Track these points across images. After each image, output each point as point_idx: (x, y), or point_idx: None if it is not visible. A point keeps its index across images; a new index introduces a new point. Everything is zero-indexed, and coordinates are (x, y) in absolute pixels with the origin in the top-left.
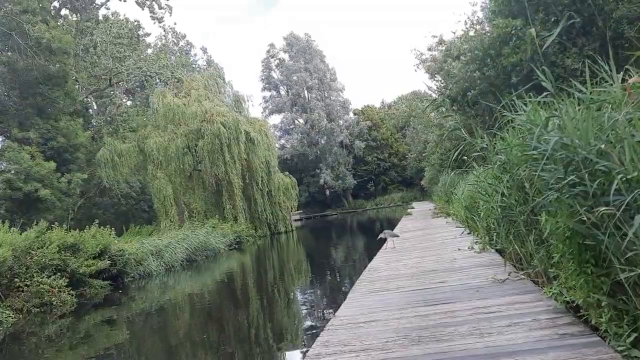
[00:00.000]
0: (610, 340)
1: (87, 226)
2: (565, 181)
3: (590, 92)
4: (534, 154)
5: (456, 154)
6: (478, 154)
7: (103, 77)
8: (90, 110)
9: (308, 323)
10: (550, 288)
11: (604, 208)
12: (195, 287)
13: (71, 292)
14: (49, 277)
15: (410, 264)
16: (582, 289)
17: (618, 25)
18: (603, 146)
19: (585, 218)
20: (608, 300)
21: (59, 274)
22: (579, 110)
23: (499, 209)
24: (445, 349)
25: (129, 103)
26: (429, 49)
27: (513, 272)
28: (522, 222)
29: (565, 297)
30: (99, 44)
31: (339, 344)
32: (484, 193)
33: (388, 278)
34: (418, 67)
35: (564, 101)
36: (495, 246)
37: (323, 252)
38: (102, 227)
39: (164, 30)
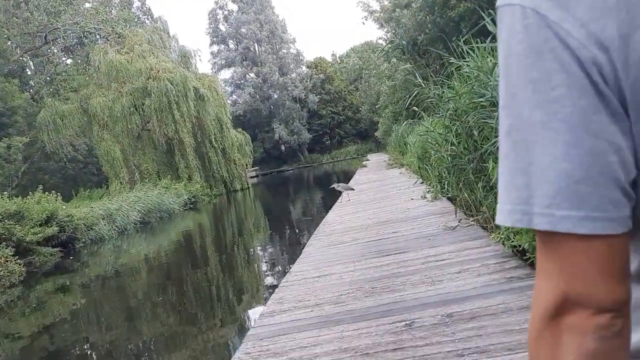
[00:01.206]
0: None
1: (32, 192)
2: None
3: None
4: (481, 102)
5: (409, 102)
6: (431, 100)
7: (38, 34)
8: (28, 71)
9: (269, 279)
10: (498, 234)
11: None
12: (151, 249)
13: (19, 261)
14: None
15: (365, 216)
16: (528, 233)
17: None
18: None
19: None
20: None
21: (3, 243)
22: None
23: (449, 158)
24: (398, 299)
25: (69, 61)
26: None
27: (463, 219)
28: (471, 169)
29: (512, 242)
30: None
31: (293, 300)
32: (434, 143)
33: (343, 231)
34: (366, 19)
35: None
36: (447, 194)
37: (281, 207)
38: (47, 193)
39: None
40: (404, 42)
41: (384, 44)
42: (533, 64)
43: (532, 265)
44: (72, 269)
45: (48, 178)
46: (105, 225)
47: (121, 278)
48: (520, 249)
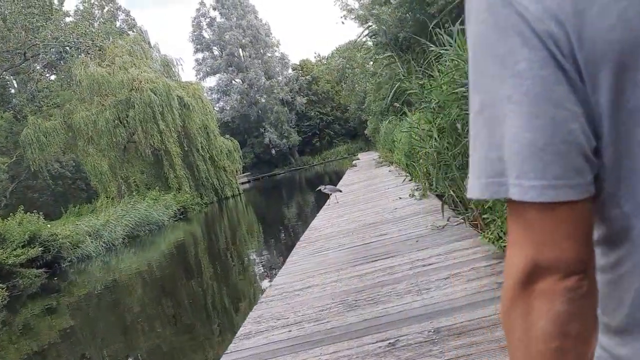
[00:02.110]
0: None
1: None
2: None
3: None
4: (464, 92)
5: (391, 95)
6: (413, 93)
7: (17, 51)
8: (12, 89)
9: (265, 285)
10: (489, 233)
11: None
12: (140, 263)
13: (1, 285)
14: None
15: (352, 218)
16: None
17: None
18: None
19: None
20: None
21: None
22: None
23: (435, 154)
24: (382, 313)
25: (52, 77)
26: None
27: (452, 217)
28: (456, 165)
29: (503, 242)
30: (8, 17)
31: (272, 318)
32: (419, 138)
33: (329, 236)
34: (345, 18)
35: None
36: (435, 191)
37: (273, 212)
38: (29, 213)
39: None
40: (384, 39)
41: (366, 40)
42: (498, 41)
43: None
44: (58, 289)
45: (37, 196)
46: (91, 242)
47: (110, 295)
48: None
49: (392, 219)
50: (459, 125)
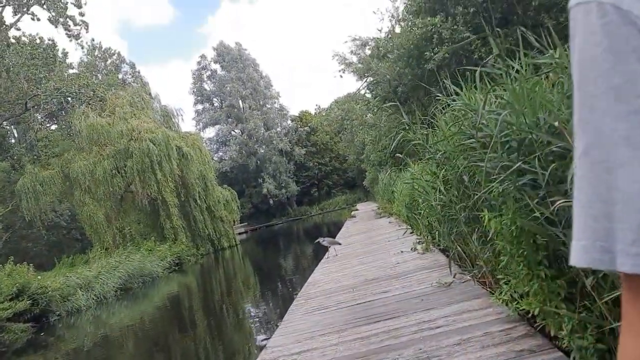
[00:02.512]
0: (574, 356)
1: (14, 262)
2: (512, 169)
3: (527, 65)
4: (471, 143)
5: (393, 145)
6: (416, 143)
7: (18, 101)
8: (12, 139)
9: (261, 339)
10: (500, 294)
11: (561, 200)
12: (133, 317)
13: None
14: None
15: (351, 273)
16: (537, 296)
17: (537, 13)
18: (556, 124)
19: (538, 212)
20: (567, 309)
21: None
22: (520, 85)
23: (439, 207)
24: None
25: (53, 127)
26: (352, 52)
27: (458, 274)
28: (464, 219)
29: (518, 304)
30: (11, 68)
31: None
32: (422, 190)
33: (328, 292)
34: (343, 72)
35: (504, 77)
36: (439, 245)
37: (270, 264)
38: (19, 264)
39: (82, 47)
40: (382, 92)
41: (364, 93)
42: (614, 68)
43: (544, 332)
44: (45, 344)
45: (32, 246)
46: (82, 294)
47: (99, 351)
48: (530, 314)
49: (395, 275)
50: (465, 178)
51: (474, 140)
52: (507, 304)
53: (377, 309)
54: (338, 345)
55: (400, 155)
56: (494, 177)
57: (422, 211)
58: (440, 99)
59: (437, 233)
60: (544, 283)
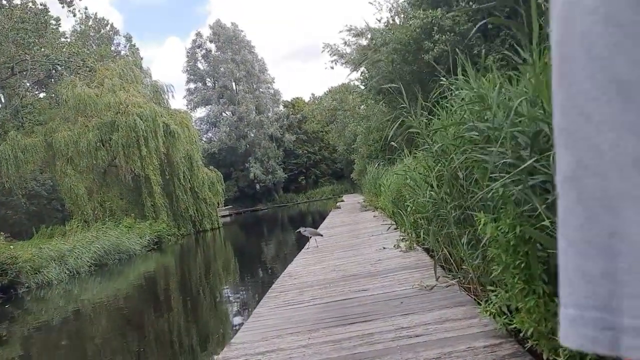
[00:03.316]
0: None
1: None
2: (522, 166)
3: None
4: (472, 136)
5: (391, 132)
6: (413, 131)
7: (5, 65)
8: None
9: (237, 322)
10: (488, 305)
11: None
12: (106, 293)
13: None
14: None
15: (330, 267)
16: (532, 314)
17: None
18: None
19: (547, 221)
20: None
21: None
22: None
23: (430, 204)
24: None
25: (42, 95)
26: (346, 44)
27: (442, 277)
28: (454, 220)
29: (507, 320)
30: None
31: None
32: (413, 185)
33: (303, 286)
34: (335, 64)
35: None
36: (423, 244)
37: (252, 249)
38: None
39: (74, 16)
40: (376, 85)
41: (359, 84)
42: (625, 64)
43: (534, 354)
44: (11, 316)
45: (11, 214)
46: (55, 267)
47: (68, 326)
48: (520, 333)
49: (375, 272)
50: (460, 174)
51: (476, 132)
52: (494, 317)
53: (353, 309)
54: (307, 348)
55: (395, 145)
56: (496, 175)
57: (409, 207)
58: (443, 84)
59: (422, 231)
60: (540, 300)
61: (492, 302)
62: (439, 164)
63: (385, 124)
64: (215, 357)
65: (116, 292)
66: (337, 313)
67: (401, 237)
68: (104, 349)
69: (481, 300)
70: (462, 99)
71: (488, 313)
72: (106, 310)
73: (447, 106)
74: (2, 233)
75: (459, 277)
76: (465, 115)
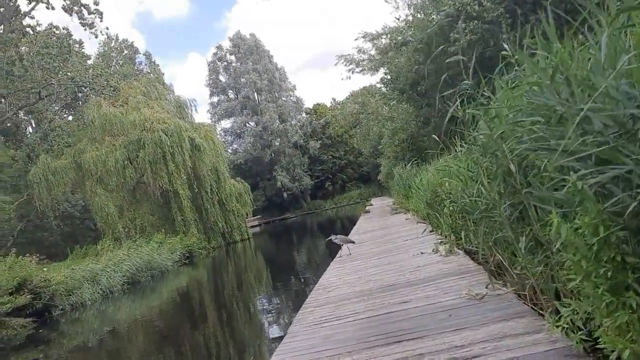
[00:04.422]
0: None
1: (28, 253)
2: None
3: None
4: (540, 118)
5: (448, 116)
6: (477, 110)
7: (32, 90)
8: (30, 129)
9: (273, 333)
10: (558, 319)
11: None
12: (140, 311)
13: None
14: None
15: (366, 277)
16: (623, 332)
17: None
18: None
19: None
20: None
21: None
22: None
23: (479, 204)
24: None
25: (70, 118)
26: (360, 51)
27: (492, 283)
28: (508, 221)
29: (584, 336)
30: (25, 56)
31: None
32: (455, 183)
33: (339, 299)
34: (352, 72)
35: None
36: (464, 247)
37: (283, 258)
38: (22, 256)
39: (96, 37)
40: (400, 85)
41: (381, 86)
42: None
43: None
44: (47, 340)
45: (47, 236)
46: (88, 288)
47: (104, 347)
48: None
49: (415, 281)
50: (513, 168)
51: (540, 115)
52: (566, 333)
53: (396, 324)
54: None
55: (437, 138)
56: (567, 164)
57: (447, 208)
58: (505, 55)
59: (465, 234)
60: (634, 315)
61: (563, 315)
62: (488, 158)
63: (411, 123)
64: None
65: (150, 309)
66: (379, 330)
67: (439, 241)
68: None
69: (544, 311)
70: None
71: (560, 328)
72: (142, 327)
73: (503, 85)
74: (37, 255)
75: (515, 283)
76: (528, 94)
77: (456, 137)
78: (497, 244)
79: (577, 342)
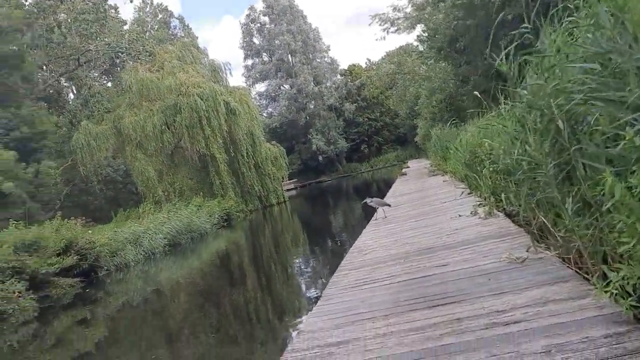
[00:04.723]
0: None
1: (74, 217)
2: None
3: None
4: (593, 67)
5: (493, 70)
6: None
7: (71, 57)
8: (71, 95)
9: (310, 294)
10: (607, 284)
11: None
12: (181, 272)
13: (32, 295)
14: (4, 282)
15: (403, 239)
16: None
17: None
18: None
19: None
20: None
21: (16, 277)
22: None
23: (522, 164)
24: None
25: (109, 84)
26: (395, 9)
27: (534, 246)
28: (555, 182)
29: (635, 302)
30: (63, 23)
31: None
32: (497, 143)
33: (375, 262)
34: (387, 32)
35: None
36: (504, 209)
37: (319, 220)
38: (67, 219)
39: (131, 2)
40: (437, 43)
41: (417, 45)
42: None
43: None
44: (94, 299)
45: (92, 199)
46: (131, 250)
47: (148, 305)
48: None
49: (453, 244)
50: (561, 125)
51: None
52: (615, 299)
53: (434, 288)
54: (385, 338)
55: (479, 95)
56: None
57: (486, 169)
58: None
59: (503, 195)
60: None
61: (613, 280)
62: (533, 115)
63: (449, 83)
64: (285, 352)
65: (191, 270)
66: (416, 293)
67: (478, 203)
68: (185, 324)
69: (591, 276)
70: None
71: (608, 293)
72: (183, 287)
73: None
74: (83, 218)
75: (557, 247)
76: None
77: (498, 94)
78: (540, 206)
79: (626, 309)
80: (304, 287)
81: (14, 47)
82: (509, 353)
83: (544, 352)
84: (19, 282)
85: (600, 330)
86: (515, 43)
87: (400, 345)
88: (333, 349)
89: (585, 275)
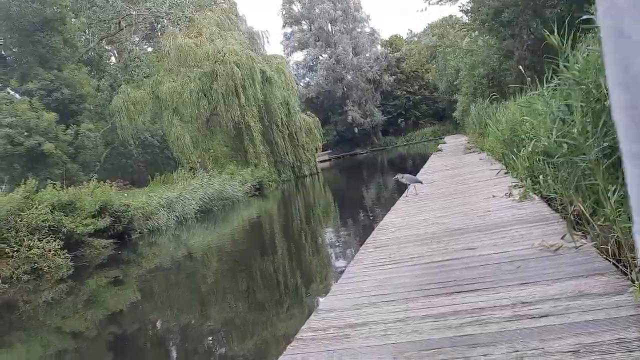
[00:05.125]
0: None
1: (113, 179)
2: None
3: None
4: None
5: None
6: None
7: (112, 20)
8: (113, 58)
9: (339, 265)
10: None
11: None
12: (212, 238)
13: (67, 254)
14: (40, 240)
15: (432, 219)
16: None
17: None
18: None
19: None
20: None
21: (52, 235)
22: None
23: (563, 146)
24: None
25: (149, 50)
26: None
27: (570, 234)
28: (600, 167)
29: None
30: None
31: None
32: (540, 121)
33: (401, 241)
34: (429, 3)
35: None
36: (541, 192)
37: (351, 194)
38: (103, 182)
39: None
40: (481, 15)
41: (462, 16)
42: None
43: None
44: (127, 260)
45: (131, 163)
46: (164, 214)
47: (179, 268)
48: None
49: (484, 227)
50: (607, 104)
51: None
52: None
53: (458, 273)
54: (404, 323)
55: (522, 70)
56: None
57: (525, 149)
58: None
59: (541, 177)
60: None
61: None
62: (581, 94)
63: (492, 57)
64: (300, 331)
65: (222, 237)
66: (440, 277)
67: (513, 184)
68: (215, 288)
69: (630, 270)
70: None
71: None
72: (215, 253)
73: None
74: (121, 180)
75: (595, 236)
76: None
77: (545, 69)
78: (579, 192)
79: None
80: (333, 258)
81: (56, 9)
82: (532, 349)
83: (571, 352)
84: (54, 240)
85: (636, 332)
86: (570, 14)
87: (417, 332)
88: (349, 330)
89: (624, 269)
